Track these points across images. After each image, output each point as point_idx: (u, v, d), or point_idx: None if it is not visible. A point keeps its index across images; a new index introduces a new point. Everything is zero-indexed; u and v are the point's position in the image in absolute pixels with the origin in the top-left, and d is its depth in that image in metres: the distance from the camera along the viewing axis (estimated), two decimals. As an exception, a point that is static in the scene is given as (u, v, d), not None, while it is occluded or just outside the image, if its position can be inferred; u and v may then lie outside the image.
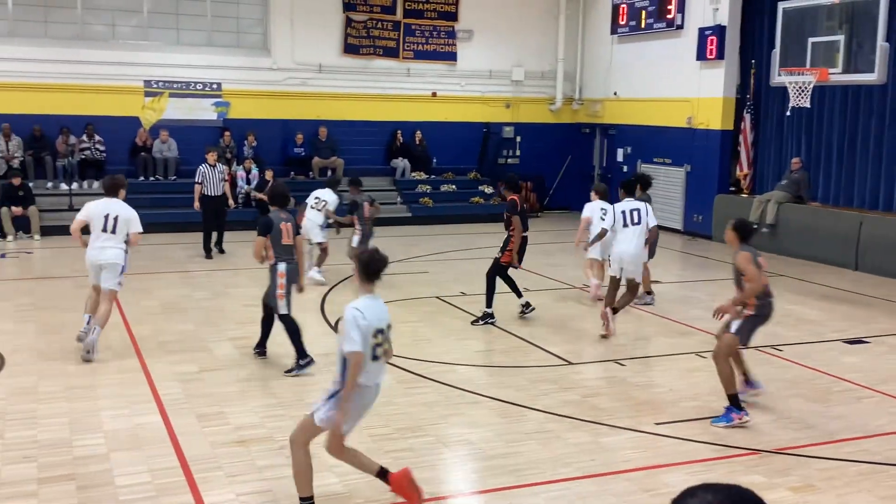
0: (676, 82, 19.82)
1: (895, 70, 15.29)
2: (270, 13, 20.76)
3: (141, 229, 9.74)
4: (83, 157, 18.96)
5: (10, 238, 17.05)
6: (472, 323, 11.26)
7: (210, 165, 15.72)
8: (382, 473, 6.01)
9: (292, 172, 20.33)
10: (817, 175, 17.47)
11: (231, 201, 16.54)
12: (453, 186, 21.77)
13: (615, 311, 10.76)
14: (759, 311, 7.84)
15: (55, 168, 18.78)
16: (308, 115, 20.87)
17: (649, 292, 12.60)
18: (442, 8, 22.12)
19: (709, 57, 18.71)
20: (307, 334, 9.26)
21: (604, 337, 10.66)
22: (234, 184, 17.85)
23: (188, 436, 7.20)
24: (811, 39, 15.54)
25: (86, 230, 9.67)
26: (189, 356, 9.54)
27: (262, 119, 20.45)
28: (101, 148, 19.15)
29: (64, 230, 17.34)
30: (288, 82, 20.79)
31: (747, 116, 18.61)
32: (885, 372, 9.56)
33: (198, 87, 20.12)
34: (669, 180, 20.22)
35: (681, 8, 19.59)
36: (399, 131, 21.83)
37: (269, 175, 18.31)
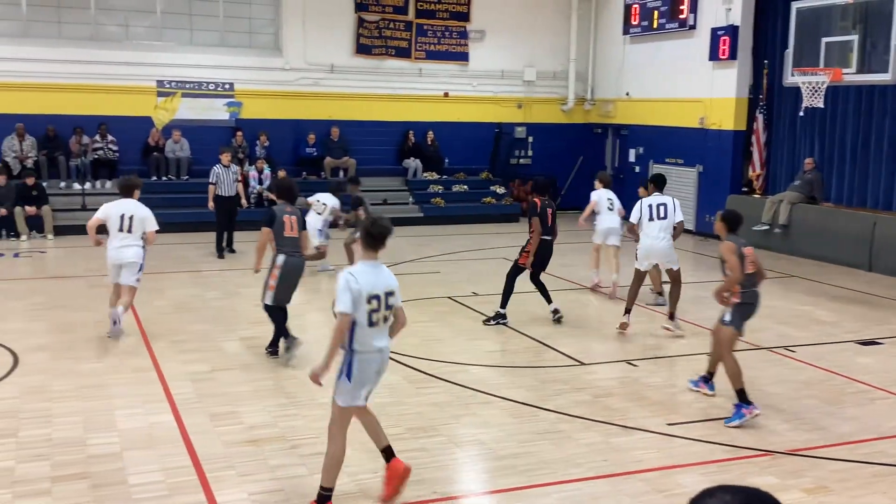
0: (689, 82, 19.77)
1: (910, 70, 15.21)
2: (283, 13, 20.80)
3: (157, 227, 10.23)
4: (96, 156, 19.04)
5: (23, 237, 17.13)
6: (484, 322, 11.25)
7: (224, 166, 15.81)
8: (388, 453, 6.12)
9: (304, 172, 20.36)
10: (830, 175, 17.40)
11: (244, 201, 16.62)
12: (465, 187, 21.76)
13: (671, 316, 10.97)
14: (744, 298, 8.00)
15: (68, 168, 18.87)
16: (320, 115, 20.90)
17: (660, 293, 12.59)
18: (454, 8, 22.13)
19: (721, 57, 18.66)
20: (315, 334, 9.27)
21: (621, 331, 10.77)
22: (246, 184, 17.89)
23: (200, 435, 7.22)
24: (825, 39, 15.46)
25: (102, 230, 9.99)
26: (201, 356, 9.56)
27: (274, 119, 20.50)
28: (114, 148, 19.22)
29: (77, 230, 17.50)
30: (300, 82, 20.83)
31: (760, 117, 18.54)
32: (900, 373, 9.50)
33: (210, 88, 20.17)
34: (682, 181, 20.15)
35: (693, 8, 19.54)
36: (411, 131, 21.84)
37: (281, 175, 18.33)
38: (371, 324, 5.71)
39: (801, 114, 16.81)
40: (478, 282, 13.82)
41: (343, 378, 5.79)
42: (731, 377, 7.87)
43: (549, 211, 11.39)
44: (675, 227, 11.04)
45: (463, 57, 22.38)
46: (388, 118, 21.67)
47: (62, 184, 18.78)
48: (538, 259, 11.36)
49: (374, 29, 21.44)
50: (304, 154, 20.79)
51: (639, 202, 11.20)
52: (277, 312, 9.49)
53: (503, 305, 11.25)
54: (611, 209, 13.32)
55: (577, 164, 23.56)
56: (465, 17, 22.27)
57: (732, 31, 18.46)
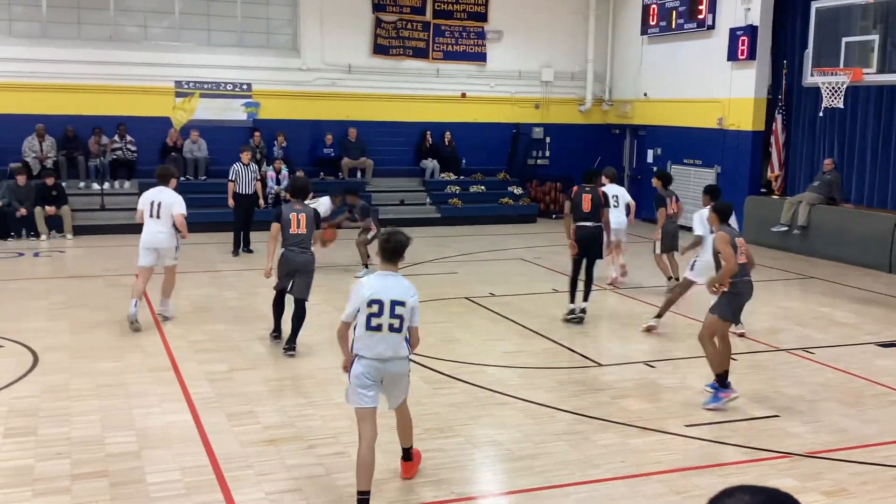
0: (707, 83, 19.69)
1: (931, 70, 15.10)
2: (300, 14, 20.85)
3: (183, 211, 10.78)
4: (115, 157, 19.15)
5: (43, 237, 17.25)
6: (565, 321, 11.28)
7: (244, 164, 15.96)
8: (405, 452, 6.40)
9: (322, 173, 20.41)
10: (850, 176, 17.27)
11: (261, 201, 16.72)
12: (482, 187, 21.74)
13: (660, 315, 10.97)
14: (733, 288, 8.14)
15: (87, 168, 18.99)
16: (338, 115, 20.93)
17: (670, 278, 12.90)
18: (471, 9, 22.11)
19: (740, 57, 18.57)
20: (334, 334, 9.25)
21: (650, 330, 10.81)
22: (264, 184, 17.96)
23: (218, 434, 7.24)
24: (845, 39, 15.37)
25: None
26: (219, 355, 9.60)
27: (291, 120, 20.55)
28: (133, 148, 19.33)
29: (95, 229, 17.70)
30: (317, 83, 20.88)
31: (779, 117, 18.44)
32: (920, 376, 9.42)
33: (228, 88, 20.25)
34: (700, 181, 20.05)
35: (712, 8, 19.45)
36: (428, 132, 21.84)
37: (299, 175, 18.39)
38: (371, 328, 5.81)
39: (821, 114, 16.72)
40: (495, 282, 13.81)
41: (349, 378, 6.01)
42: (711, 363, 8.18)
43: (586, 197, 11.25)
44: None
45: (480, 57, 22.36)
46: (406, 119, 21.68)
47: (81, 184, 18.90)
48: (579, 246, 11.25)
49: (391, 29, 21.45)
50: (322, 155, 20.83)
51: (699, 215, 10.92)
52: (277, 297, 10.05)
53: (571, 300, 11.34)
54: (616, 206, 13.27)
55: (594, 165, 23.47)
56: (482, 17, 22.26)
57: (751, 31, 18.36)
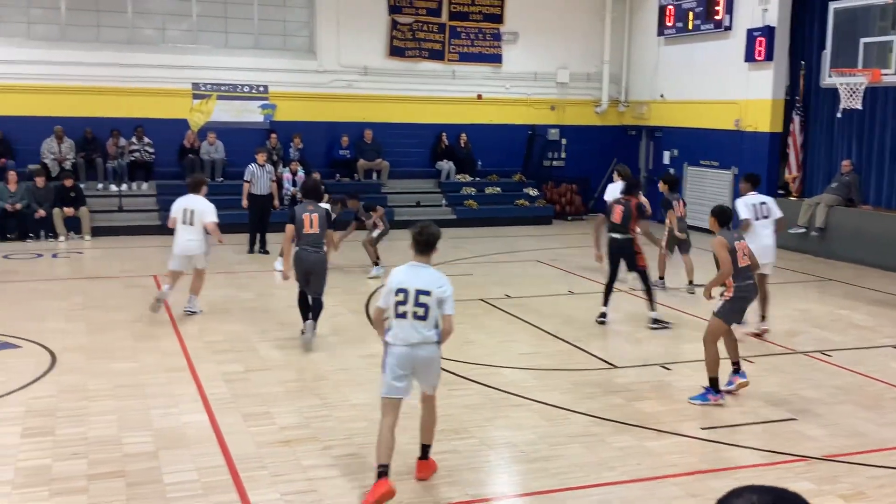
0: (724, 84, 19.59)
1: (950, 71, 14.97)
2: (317, 16, 20.91)
3: (214, 219, 11.20)
4: (133, 158, 19.26)
5: (61, 238, 17.36)
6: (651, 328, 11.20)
7: (259, 165, 16.08)
8: (423, 450, 6.48)
9: (338, 174, 20.46)
10: (868, 178, 17.16)
11: (276, 202, 16.80)
12: (498, 189, 21.72)
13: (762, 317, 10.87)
14: (737, 292, 8.25)
15: (105, 170, 19.11)
16: (354, 117, 20.97)
17: (661, 278, 13.23)
18: (487, 10, 22.11)
19: (757, 58, 18.47)
20: (350, 336, 9.30)
21: (758, 335, 10.68)
22: (280, 185, 18.03)
23: (234, 435, 7.27)
24: (863, 40, 15.25)
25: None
26: (235, 356, 9.63)
27: (307, 121, 20.59)
28: (151, 150, 19.43)
29: (113, 231, 17.82)
30: (333, 85, 20.93)
31: (796, 118, 18.33)
32: (939, 379, 9.35)
33: (245, 90, 20.33)
34: (717, 183, 20.00)
35: (729, 9, 19.36)
36: (444, 133, 21.84)
37: (315, 177, 18.43)
38: (398, 315, 6.10)
39: (839, 115, 16.60)
40: (510, 284, 13.80)
41: (382, 368, 6.27)
42: (707, 364, 8.25)
43: (618, 208, 11.31)
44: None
45: (496, 59, 22.35)
46: (421, 120, 21.69)
47: (99, 185, 19.02)
48: (608, 257, 11.44)
49: (407, 31, 21.48)
50: (338, 156, 20.87)
51: (742, 201, 11.07)
52: (300, 296, 10.25)
53: (651, 308, 11.25)
54: None
55: (611, 167, 23.40)
56: (498, 19, 22.25)
57: (769, 31, 18.27)
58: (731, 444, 7.32)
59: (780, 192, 18.89)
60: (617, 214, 11.30)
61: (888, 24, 15.21)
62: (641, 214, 11.49)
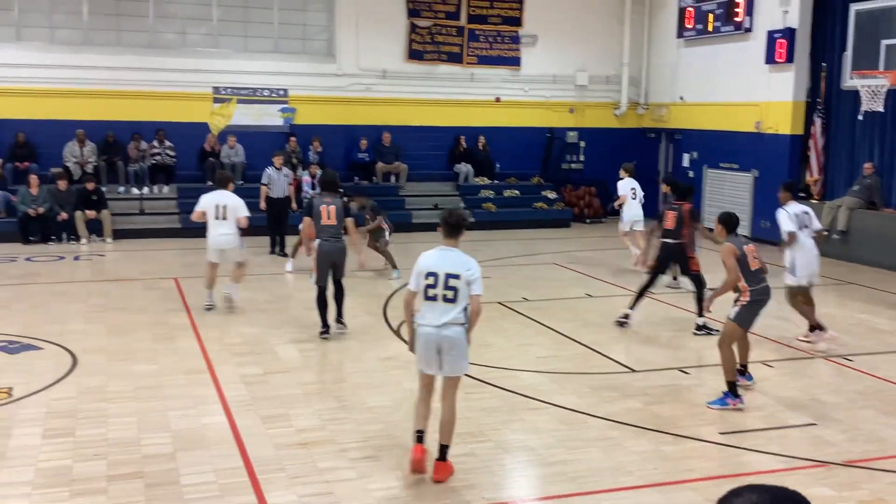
0: (744, 86, 19.49)
1: (973, 72, 14.84)
2: (336, 20, 20.98)
3: (247, 213, 11.64)
4: (154, 162, 19.40)
5: (83, 241, 17.51)
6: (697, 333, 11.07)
7: (276, 168, 16.22)
8: (441, 450, 6.51)
9: (356, 177, 20.52)
10: (891, 180, 17.02)
11: (294, 204, 16.91)
12: (516, 192, 21.70)
13: (815, 328, 10.55)
14: (753, 296, 8.27)
15: (127, 173, 19.25)
16: (372, 120, 21.02)
17: (675, 277, 13.20)
18: (506, 13, 22.11)
19: (778, 60, 18.37)
20: (368, 338, 9.32)
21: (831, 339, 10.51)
22: (299, 189, 18.10)
23: (252, 437, 7.31)
24: (884, 42, 15.16)
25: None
26: (254, 359, 9.68)
27: (327, 125, 20.67)
28: (172, 153, 19.56)
29: (135, 233, 17.96)
30: (353, 88, 20.99)
31: (818, 121, 18.21)
32: (962, 384, 9.26)
33: (265, 94, 20.43)
34: (737, 186, 19.91)
35: (749, 10, 19.27)
36: (462, 136, 21.85)
37: (331, 171, 18.50)
38: (428, 297, 6.36)
39: (860, 117, 16.48)
40: (528, 287, 13.79)
41: (412, 349, 6.65)
42: (725, 370, 8.27)
43: (670, 214, 11.26)
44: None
45: (515, 62, 22.34)
46: (440, 123, 21.72)
47: (121, 188, 19.16)
48: (659, 262, 11.39)
49: (426, 34, 21.52)
50: (356, 159, 20.93)
51: (783, 212, 10.69)
52: (319, 295, 10.37)
53: (699, 314, 11.03)
54: (634, 198, 14.80)
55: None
56: (517, 21, 22.24)
57: (789, 33, 18.16)
58: (750, 449, 7.28)
59: (802, 194, 18.75)
60: (670, 220, 11.25)
61: (910, 26, 15.12)
62: (694, 219, 11.44)
